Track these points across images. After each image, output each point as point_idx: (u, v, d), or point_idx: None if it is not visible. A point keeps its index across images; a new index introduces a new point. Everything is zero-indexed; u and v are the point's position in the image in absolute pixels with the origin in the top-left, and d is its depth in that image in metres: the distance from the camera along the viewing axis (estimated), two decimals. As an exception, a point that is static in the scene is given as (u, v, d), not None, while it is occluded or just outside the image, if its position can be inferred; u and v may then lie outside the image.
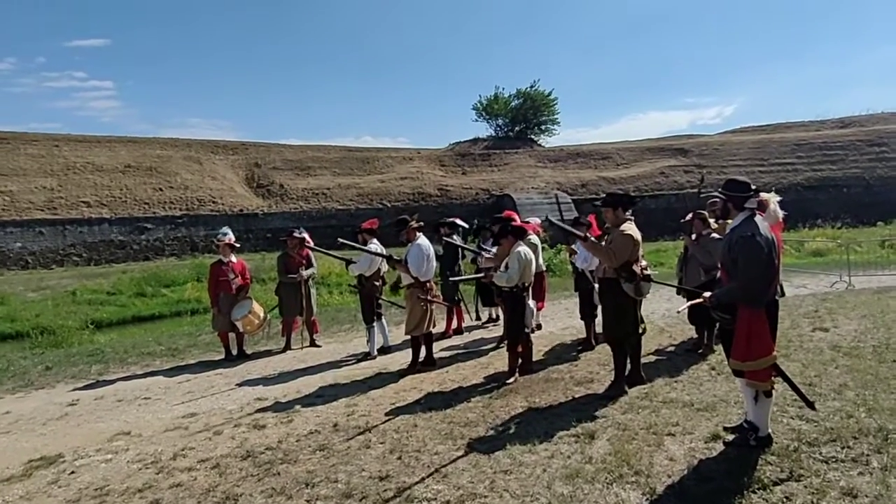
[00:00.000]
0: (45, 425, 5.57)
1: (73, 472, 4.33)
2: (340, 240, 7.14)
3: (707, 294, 4.10)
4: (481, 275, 6.42)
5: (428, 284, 6.43)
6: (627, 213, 5.09)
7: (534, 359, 6.43)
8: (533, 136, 41.24)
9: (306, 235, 8.47)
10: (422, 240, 6.46)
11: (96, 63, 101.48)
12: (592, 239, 4.87)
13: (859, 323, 7.57)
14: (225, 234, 8.00)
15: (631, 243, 4.86)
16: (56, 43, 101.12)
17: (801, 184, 31.64)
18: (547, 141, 41.69)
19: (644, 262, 5.13)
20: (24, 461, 4.59)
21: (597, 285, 5.58)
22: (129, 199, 24.81)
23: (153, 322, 15.15)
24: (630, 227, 4.95)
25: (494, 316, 9.36)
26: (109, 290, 17.56)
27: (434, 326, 6.66)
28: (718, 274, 4.28)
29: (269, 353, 8.20)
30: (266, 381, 6.74)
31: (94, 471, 4.34)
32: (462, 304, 9.05)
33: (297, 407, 5.56)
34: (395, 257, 6.67)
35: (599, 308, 6.13)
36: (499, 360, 6.74)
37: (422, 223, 6.65)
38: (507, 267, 5.72)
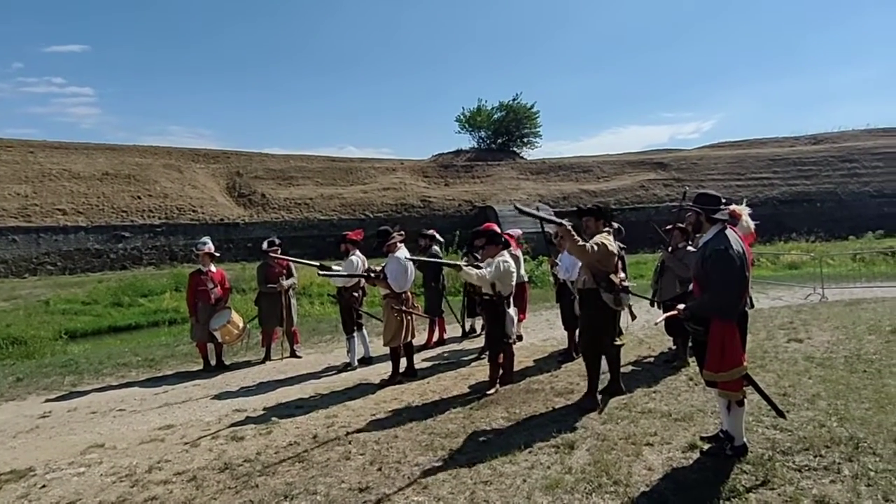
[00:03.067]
0: (16, 438, 5.42)
1: (44, 486, 4.22)
2: (319, 273, 7.18)
3: (681, 306, 4.17)
4: (453, 263, 6.42)
5: (404, 295, 6.41)
6: (605, 228, 5.18)
7: (515, 369, 6.46)
8: (515, 149, 41.58)
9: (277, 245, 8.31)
10: (401, 252, 6.45)
11: (75, 69, 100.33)
12: (569, 227, 4.88)
13: (832, 334, 7.74)
14: (205, 244, 7.92)
15: (605, 249, 4.91)
16: (34, 48, 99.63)
17: (777, 198, 32.33)
18: (529, 153, 42.10)
19: (623, 275, 5.20)
20: (-7, 475, 4.46)
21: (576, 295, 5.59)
22: (107, 207, 24.40)
23: (130, 332, 14.84)
24: (605, 237, 5.03)
25: (478, 329, 9.35)
26: (84, 300, 17.19)
27: (413, 337, 6.65)
28: (690, 287, 4.36)
29: (248, 364, 8.10)
30: (245, 392, 6.65)
31: (65, 484, 4.24)
32: (451, 314, 9.06)
33: (276, 418, 5.49)
34: (374, 272, 6.63)
35: None
36: (480, 371, 6.75)
37: (403, 234, 6.66)
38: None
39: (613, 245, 5.06)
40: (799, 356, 6.61)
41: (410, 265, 6.50)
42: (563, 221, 5.05)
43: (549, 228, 6.21)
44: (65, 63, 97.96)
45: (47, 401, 6.74)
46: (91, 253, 23.23)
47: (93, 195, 24.72)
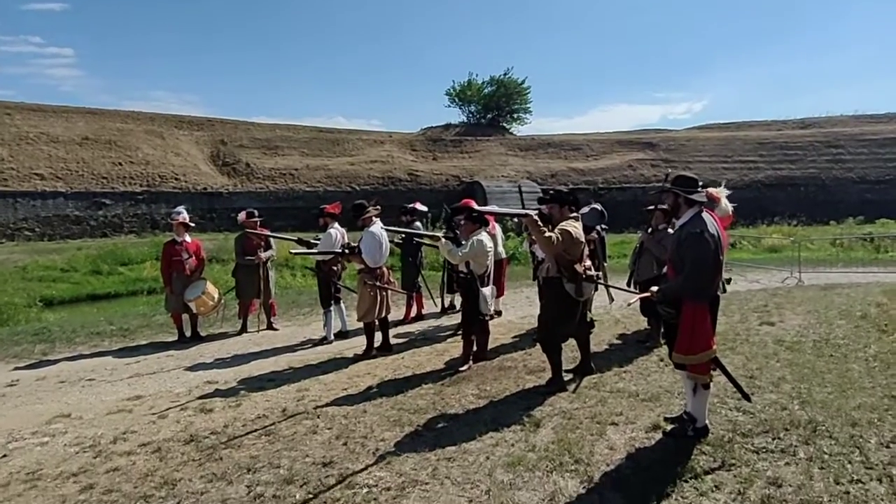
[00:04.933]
0: (-20, 406, 5.36)
1: (5, 456, 4.19)
2: (292, 251, 7.09)
3: (654, 288, 4.18)
4: (431, 234, 6.38)
5: (379, 271, 6.37)
6: (572, 214, 5.08)
7: (490, 346, 6.49)
8: (505, 124, 41.27)
9: (257, 218, 8.22)
10: (375, 226, 6.38)
11: (54, 28, 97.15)
12: (535, 217, 4.79)
13: (804, 318, 7.85)
14: (179, 213, 7.79)
15: (569, 237, 4.81)
16: (10, 5, 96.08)
17: (762, 181, 32.51)
18: (518, 129, 41.83)
19: (588, 263, 5.12)
20: (-46, 443, 4.41)
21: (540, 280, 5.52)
22: (87, 173, 23.92)
23: (108, 301, 14.69)
24: (570, 224, 4.89)
25: (457, 305, 9.36)
26: (63, 267, 16.93)
27: (388, 313, 6.62)
28: (665, 269, 4.36)
29: (224, 336, 8.06)
30: (219, 364, 6.62)
31: (27, 454, 4.20)
32: (425, 290, 9.05)
33: (247, 391, 5.48)
34: (349, 247, 6.57)
35: None
36: (455, 348, 6.76)
37: (379, 209, 6.58)
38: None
39: (579, 231, 4.93)
40: (769, 339, 6.70)
41: (385, 240, 6.44)
42: (528, 211, 4.95)
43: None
44: (43, 21, 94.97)
45: (16, 369, 6.66)
46: (70, 219, 22.84)
47: (72, 160, 24.19)
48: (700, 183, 4.04)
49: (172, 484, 3.63)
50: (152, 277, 15.91)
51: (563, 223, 4.89)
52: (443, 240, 5.94)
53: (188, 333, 7.89)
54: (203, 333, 8.02)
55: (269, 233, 8.19)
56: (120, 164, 25.04)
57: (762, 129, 40.10)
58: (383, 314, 6.52)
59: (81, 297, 14.91)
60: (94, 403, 5.32)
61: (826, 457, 3.57)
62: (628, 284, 7.12)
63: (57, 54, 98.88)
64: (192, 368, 6.43)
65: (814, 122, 41.06)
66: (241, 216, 8.12)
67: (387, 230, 6.81)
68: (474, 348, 6.11)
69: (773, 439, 3.86)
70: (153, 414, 4.94)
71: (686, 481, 3.35)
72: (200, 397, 5.35)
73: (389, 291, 6.58)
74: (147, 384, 5.88)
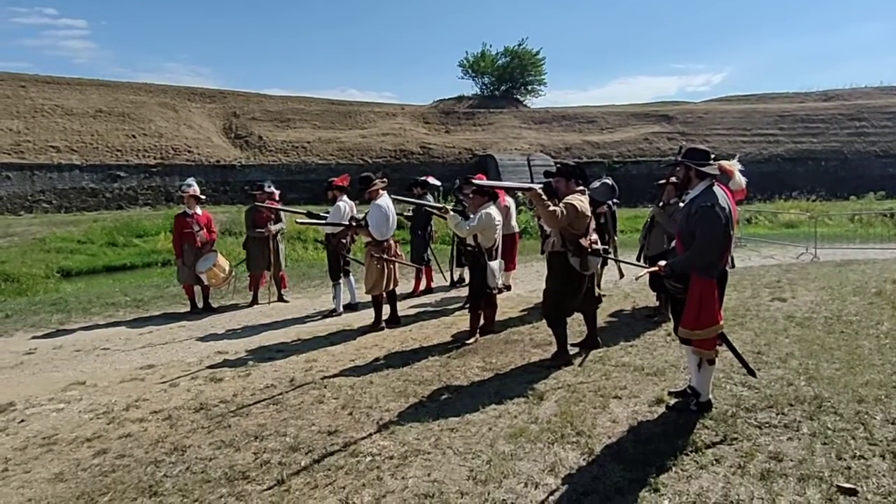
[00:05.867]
0: (0, 373, 5.51)
1: (22, 421, 4.32)
2: (298, 220, 7.10)
3: (662, 263, 4.13)
4: (440, 206, 6.37)
5: (386, 243, 6.37)
6: (578, 188, 5.01)
7: (498, 319, 6.51)
8: (519, 97, 40.59)
9: (274, 190, 8.37)
10: (382, 199, 6.36)
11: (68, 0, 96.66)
12: (539, 191, 4.74)
13: (816, 294, 7.76)
14: (189, 186, 7.83)
15: (574, 211, 4.75)
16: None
17: (782, 155, 31.80)
18: (533, 102, 41.12)
19: (594, 237, 5.07)
20: (-26, 408, 4.55)
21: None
22: (101, 146, 24.05)
23: (124, 272, 14.92)
24: (576, 198, 4.82)
25: (466, 279, 9.38)
26: (80, 239, 17.19)
27: (396, 285, 6.65)
28: (673, 243, 4.31)
29: (235, 308, 8.17)
30: (229, 334, 6.73)
31: (44, 420, 4.33)
32: (434, 264, 9.08)
33: (257, 361, 5.58)
34: (356, 221, 6.58)
35: None
36: (463, 321, 6.78)
37: (385, 181, 6.56)
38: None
39: (585, 206, 4.87)
40: (780, 315, 6.64)
41: (392, 213, 6.43)
42: (532, 185, 4.90)
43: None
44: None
45: (34, 338, 6.83)
46: (86, 192, 23.07)
47: (86, 133, 24.32)
48: (712, 156, 3.95)
49: (182, 450, 3.72)
50: (166, 249, 16.09)
51: (569, 197, 4.84)
52: (451, 212, 5.91)
53: (200, 305, 8.01)
54: (215, 305, 8.14)
55: (278, 206, 8.21)
56: (134, 136, 25.13)
57: (783, 101, 39.10)
58: (391, 287, 6.55)
59: (98, 268, 15.16)
60: (109, 372, 5.45)
61: (829, 432, 3.56)
62: (638, 259, 7.06)
63: (70, 26, 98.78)
64: (203, 339, 6.55)
65: (837, 94, 39.90)
66: (257, 190, 8.21)
67: (396, 200, 6.81)
68: (481, 322, 6.13)
69: (777, 414, 3.85)
70: (165, 382, 5.06)
71: (686, 454, 3.37)
72: (211, 367, 5.45)
73: (397, 264, 6.59)
74: (159, 354, 6.01)
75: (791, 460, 3.26)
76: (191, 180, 8.04)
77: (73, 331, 7.12)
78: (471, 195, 6.14)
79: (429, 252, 8.89)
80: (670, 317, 6.37)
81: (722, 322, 3.84)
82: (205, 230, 7.86)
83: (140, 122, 25.98)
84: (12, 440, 3.99)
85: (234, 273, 8.16)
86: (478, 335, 6.04)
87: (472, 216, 5.79)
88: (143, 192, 24.06)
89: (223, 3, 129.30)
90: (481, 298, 5.95)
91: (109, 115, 25.67)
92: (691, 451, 3.40)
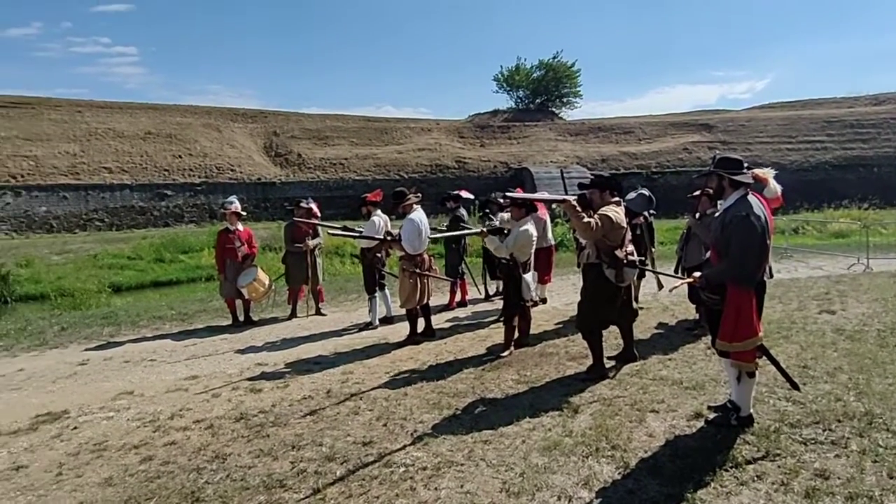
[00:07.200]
0: (55, 383, 5.80)
1: (75, 428, 4.53)
2: (330, 232, 7.23)
3: (697, 274, 4.06)
4: (477, 230, 6.38)
5: (419, 258, 6.43)
6: (613, 199, 4.97)
7: (533, 332, 6.48)
8: (554, 109, 40.52)
9: (314, 206, 8.57)
10: (415, 213, 6.44)
11: (120, 28, 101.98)
12: (573, 202, 4.72)
13: (869, 306, 7.43)
14: (231, 203, 8.11)
15: (608, 223, 4.71)
16: (82, 7, 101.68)
17: (830, 162, 30.67)
18: (569, 114, 40.98)
19: (630, 248, 5.01)
20: (32, 416, 4.81)
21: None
22: (150, 166, 25.14)
23: (170, 287, 15.52)
24: (611, 210, 4.79)
25: (500, 290, 9.38)
26: (130, 255, 17.97)
27: (429, 299, 6.70)
28: (708, 254, 4.23)
29: (274, 321, 8.37)
30: (269, 347, 6.90)
31: (95, 427, 4.53)
32: (468, 277, 9.11)
33: (295, 373, 5.70)
34: (390, 236, 6.68)
35: None
36: (498, 334, 6.77)
37: (419, 196, 6.64)
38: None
39: (620, 217, 4.83)
40: (828, 328, 6.39)
41: (425, 227, 6.49)
42: (566, 197, 4.89)
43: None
44: (110, 22, 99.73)
45: (87, 350, 7.16)
46: (136, 210, 24.10)
47: (136, 154, 25.47)
48: (745, 164, 3.88)
49: (223, 458, 3.84)
50: (209, 265, 16.64)
51: (604, 208, 4.82)
52: (489, 236, 5.90)
53: (241, 318, 8.24)
54: (255, 318, 8.36)
55: (316, 221, 8.41)
56: (180, 156, 26.17)
57: (830, 106, 37.77)
58: (424, 300, 6.60)
59: (146, 283, 15.82)
60: (155, 382, 5.66)
61: (881, 450, 3.40)
62: (676, 271, 6.93)
63: (122, 53, 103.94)
64: (243, 351, 6.73)
65: (888, 97, 38.28)
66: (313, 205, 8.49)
67: (435, 230, 6.86)
68: (516, 334, 6.12)
69: (824, 430, 3.71)
70: (207, 393, 5.22)
71: (726, 470, 3.28)
72: (251, 378, 5.61)
73: (429, 278, 6.64)
74: (202, 365, 6.21)
75: (838, 478, 3.13)
76: (233, 198, 8.33)
77: (123, 343, 7.43)
78: (509, 208, 6.16)
79: (463, 265, 8.93)
80: (706, 329, 6.25)
81: (761, 334, 3.73)
82: (246, 245, 8.11)
83: (186, 142, 27.05)
84: (66, 446, 4.19)
85: (273, 287, 8.38)
86: (512, 348, 6.02)
87: (505, 231, 5.80)
88: (188, 210, 24.96)
89: (263, 25, 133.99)
90: (516, 311, 5.95)
91: (157, 137, 26.84)
92: (731, 467, 3.30)
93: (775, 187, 4.19)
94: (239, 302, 8.21)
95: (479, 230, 6.27)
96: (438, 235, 7.02)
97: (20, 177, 22.37)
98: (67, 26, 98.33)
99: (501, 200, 8.07)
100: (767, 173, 4.05)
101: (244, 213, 8.49)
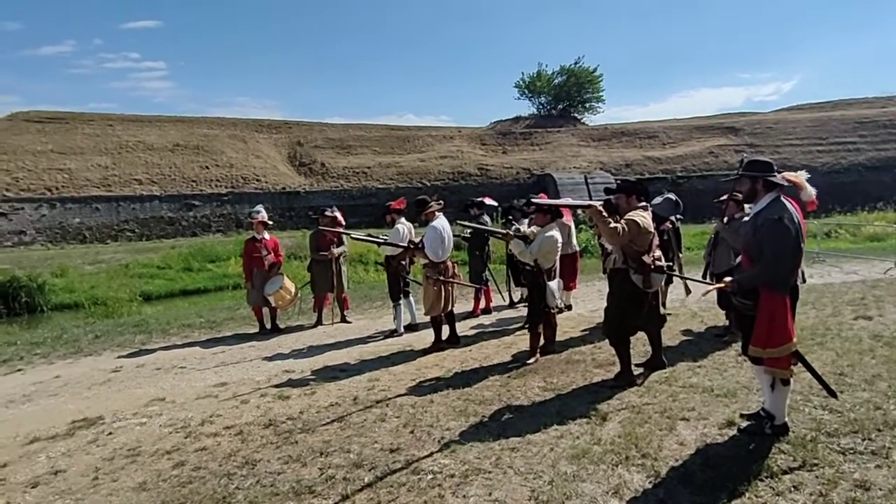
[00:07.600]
0: (90, 389, 5.95)
1: (110, 433, 4.64)
2: (353, 237, 7.29)
3: (728, 279, 3.99)
4: (503, 231, 6.36)
5: (443, 265, 6.43)
6: (640, 204, 4.91)
7: (559, 339, 6.42)
8: (576, 115, 40.38)
9: (339, 215, 8.66)
10: (438, 221, 6.45)
11: (149, 44, 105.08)
12: (599, 208, 4.66)
13: (907, 312, 7.19)
14: (258, 212, 8.24)
15: (635, 228, 4.65)
16: (112, 25, 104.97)
17: (863, 164, 29.90)
18: (591, 119, 40.82)
19: (657, 253, 4.94)
20: (69, 421, 4.93)
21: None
22: (178, 177, 25.74)
23: (198, 296, 15.83)
24: (637, 215, 4.72)
25: (525, 297, 9.34)
26: (159, 265, 18.39)
27: (453, 306, 6.69)
28: (739, 259, 4.15)
29: (300, 328, 8.46)
30: (296, 354, 6.97)
31: (129, 433, 4.63)
32: (492, 283, 9.09)
33: (322, 380, 5.74)
34: (413, 244, 6.72)
35: None
36: (523, 340, 6.75)
37: (441, 203, 6.66)
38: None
39: (647, 222, 4.76)
40: (865, 334, 6.20)
41: (448, 234, 6.50)
42: (592, 202, 4.84)
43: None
44: (140, 38, 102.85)
45: (119, 357, 7.33)
46: (165, 220, 24.68)
47: (165, 165, 26.12)
48: (775, 167, 3.81)
49: (253, 464, 3.89)
50: (237, 273, 16.93)
51: (631, 213, 4.76)
52: (514, 238, 5.89)
53: (268, 326, 8.35)
54: (282, 326, 8.46)
55: (341, 230, 8.49)
56: (207, 167, 26.75)
57: (862, 106, 36.85)
58: (448, 308, 6.60)
59: (175, 292, 16.16)
60: (185, 389, 5.77)
61: (924, 460, 3.29)
62: (704, 276, 6.81)
63: (152, 68, 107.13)
64: (271, 358, 6.82)
65: (924, 97, 37.24)
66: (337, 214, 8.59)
67: (463, 226, 6.91)
68: (541, 341, 6.08)
69: (863, 440, 3.59)
70: (236, 399, 5.30)
71: (761, 480, 3.20)
72: (278, 385, 5.67)
73: (453, 285, 6.64)
74: (231, 372, 6.30)
75: (880, 489, 3.03)
76: (259, 207, 8.47)
77: (154, 350, 7.59)
78: (534, 214, 6.13)
79: (487, 272, 8.91)
80: (738, 335, 6.11)
81: (795, 339, 3.64)
82: (272, 254, 8.23)
83: (213, 153, 27.64)
84: (102, 451, 4.29)
85: (299, 295, 8.47)
86: (538, 355, 5.98)
87: (530, 236, 5.77)
88: (215, 220, 25.46)
89: (287, 38, 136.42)
90: (541, 318, 5.91)
91: (185, 149, 27.49)
92: (766, 477, 3.22)
93: (811, 190, 4.10)
94: (266, 310, 8.33)
95: (505, 232, 6.26)
96: (468, 225, 7.02)
97: (55, 189, 23.11)
98: (99, 43, 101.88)
99: (525, 207, 8.05)
100: (800, 176, 3.97)
101: (270, 223, 8.62)
